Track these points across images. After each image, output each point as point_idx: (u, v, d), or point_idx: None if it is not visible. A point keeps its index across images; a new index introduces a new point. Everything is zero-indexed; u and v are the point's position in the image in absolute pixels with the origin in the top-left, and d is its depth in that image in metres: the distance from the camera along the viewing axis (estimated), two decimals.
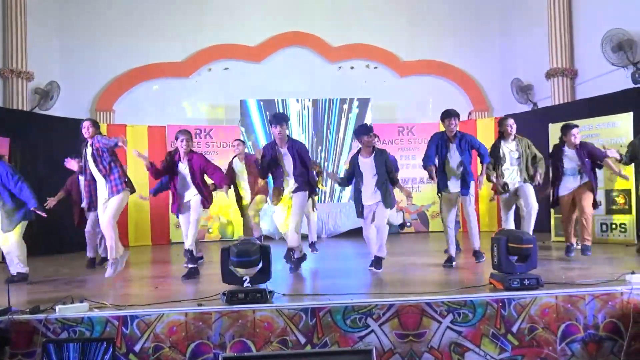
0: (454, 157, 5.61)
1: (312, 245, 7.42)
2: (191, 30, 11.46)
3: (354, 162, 5.59)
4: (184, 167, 5.44)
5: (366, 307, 3.80)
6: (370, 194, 5.47)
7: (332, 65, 11.85)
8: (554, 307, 3.90)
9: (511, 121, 5.96)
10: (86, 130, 5.32)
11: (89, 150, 5.32)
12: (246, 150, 7.36)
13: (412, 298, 3.92)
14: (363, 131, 5.50)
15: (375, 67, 11.90)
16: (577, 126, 6.09)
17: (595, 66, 9.18)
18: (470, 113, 11.82)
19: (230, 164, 7.15)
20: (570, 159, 6.04)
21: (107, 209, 5.28)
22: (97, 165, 5.28)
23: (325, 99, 10.77)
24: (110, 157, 5.32)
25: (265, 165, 5.56)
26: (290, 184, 5.61)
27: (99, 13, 11.14)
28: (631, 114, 7.41)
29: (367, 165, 5.48)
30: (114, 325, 3.67)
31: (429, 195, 10.36)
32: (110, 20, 11.15)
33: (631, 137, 7.29)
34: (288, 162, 5.57)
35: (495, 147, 6.01)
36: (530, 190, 5.88)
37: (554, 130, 8.16)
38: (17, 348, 3.59)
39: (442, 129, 5.79)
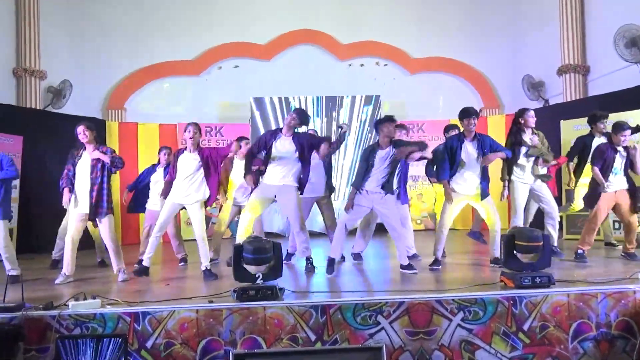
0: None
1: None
2: (201, 28, 11.48)
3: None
4: (193, 158, 5.34)
5: (376, 305, 3.80)
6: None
7: (342, 62, 11.82)
8: (566, 306, 3.88)
9: (532, 112, 5.76)
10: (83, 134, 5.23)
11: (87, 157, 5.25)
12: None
13: (422, 295, 3.92)
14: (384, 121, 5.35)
15: (385, 65, 11.86)
16: (629, 128, 5.70)
17: (608, 62, 9.07)
18: (480, 110, 11.74)
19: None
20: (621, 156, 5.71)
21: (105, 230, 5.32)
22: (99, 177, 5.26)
23: (335, 97, 10.75)
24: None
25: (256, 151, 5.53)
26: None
27: (110, 12, 11.20)
28: None
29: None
30: (126, 321, 3.70)
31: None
32: (121, 19, 11.21)
33: None
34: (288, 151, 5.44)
35: (516, 139, 5.76)
36: (548, 191, 5.75)
37: (566, 127, 8.10)
38: (31, 344, 3.63)
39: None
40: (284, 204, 5.52)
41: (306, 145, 5.47)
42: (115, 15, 11.20)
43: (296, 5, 11.73)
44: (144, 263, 5.39)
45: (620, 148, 5.67)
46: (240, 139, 6.22)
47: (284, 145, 5.44)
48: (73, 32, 10.90)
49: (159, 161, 6.71)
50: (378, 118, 6.70)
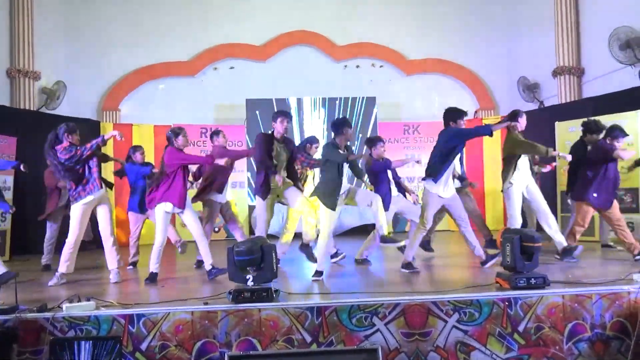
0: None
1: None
2: (197, 29, 11.48)
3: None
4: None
5: (372, 306, 3.80)
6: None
7: (338, 64, 11.83)
8: (561, 307, 3.89)
9: (523, 116, 5.76)
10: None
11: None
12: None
13: (418, 297, 3.92)
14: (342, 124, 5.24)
15: (381, 66, 11.88)
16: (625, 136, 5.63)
17: (602, 64, 9.12)
18: (476, 111, 11.78)
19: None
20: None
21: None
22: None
23: (331, 98, 10.75)
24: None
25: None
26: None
27: (105, 13, 11.17)
28: (638, 112, 7.36)
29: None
30: (120, 323, 3.68)
31: None
32: (116, 20, 11.18)
33: (639, 136, 7.25)
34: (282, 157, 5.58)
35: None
36: (539, 191, 5.73)
37: (561, 129, 8.13)
38: (25, 346, 3.61)
39: None
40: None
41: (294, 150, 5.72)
42: (110, 16, 11.17)
43: (292, 7, 11.73)
44: (152, 270, 5.24)
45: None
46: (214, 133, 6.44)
47: (283, 150, 5.56)
48: (67, 33, 10.87)
49: (130, 160, 6.57)
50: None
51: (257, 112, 10.57)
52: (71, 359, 3.43)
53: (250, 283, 3.97)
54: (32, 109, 9.56)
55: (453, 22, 11.83)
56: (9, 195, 7.74)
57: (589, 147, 6.16)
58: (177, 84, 11.48)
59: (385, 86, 11.60)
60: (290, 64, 11.62)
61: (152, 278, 5.20)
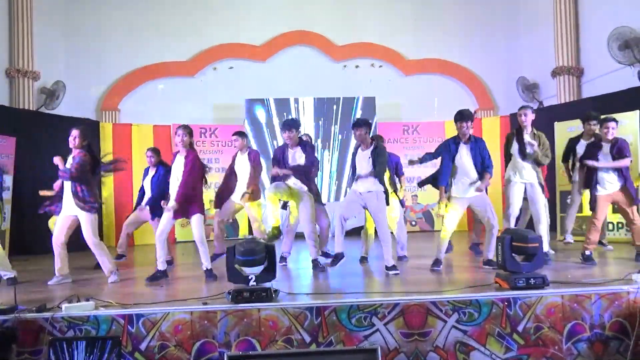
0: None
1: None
2: (196, 29, 11.47)
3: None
4: (181, 162, 5.31)
5: (371, 306, 3.80)
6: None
7: (337, 64, 11.82)
8: (560, 307, 3.89)
9: (526, 111, 5.72)
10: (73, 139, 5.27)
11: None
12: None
13: (417, 297, 3.92)
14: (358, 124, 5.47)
15: (380, 66, 11.87)
16: (615, 120, 5.64)
17: (602, 64, 9.12)
18: (475, 112, 11.77)
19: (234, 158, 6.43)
20: (604, 155, 5.60)
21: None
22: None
23: (331, 98, 10.75)
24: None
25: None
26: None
27: (104, 13, 11.16)
28: (637, 112, 7.36)
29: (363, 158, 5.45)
30: (119, 323, 3.69)
31: (434, 194, 10.31)
32: (115, 20, 11.17)
33: (638, 136, 7.26)
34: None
35: (509, 141, 5.81)
36: (541, 195, 5.72)
37: (560, 129, 8.13)
38: (24, 346, 3.62)
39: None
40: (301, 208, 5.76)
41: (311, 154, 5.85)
42: (109, 16, 11.16)
43: (291, 7, 11.72)
44: (159, 267, 5.28)
45: (605, 144, 5.58)
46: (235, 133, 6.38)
47: (296, 156, 5.76)
48: (67, 33, 10.87)
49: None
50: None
51: (257, 112, 10.56)
52: (70, 359, 3.43)
53: (252, 283, 3.98)
54: (31, 108, 9.55)
55: (452, 22, 11.83)
56: (7, 196, 7.74)
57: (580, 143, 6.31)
58: (177, 84, 11.48)
59: (385, 86, 11.59)
60: (290, 64, 11.61)
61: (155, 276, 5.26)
